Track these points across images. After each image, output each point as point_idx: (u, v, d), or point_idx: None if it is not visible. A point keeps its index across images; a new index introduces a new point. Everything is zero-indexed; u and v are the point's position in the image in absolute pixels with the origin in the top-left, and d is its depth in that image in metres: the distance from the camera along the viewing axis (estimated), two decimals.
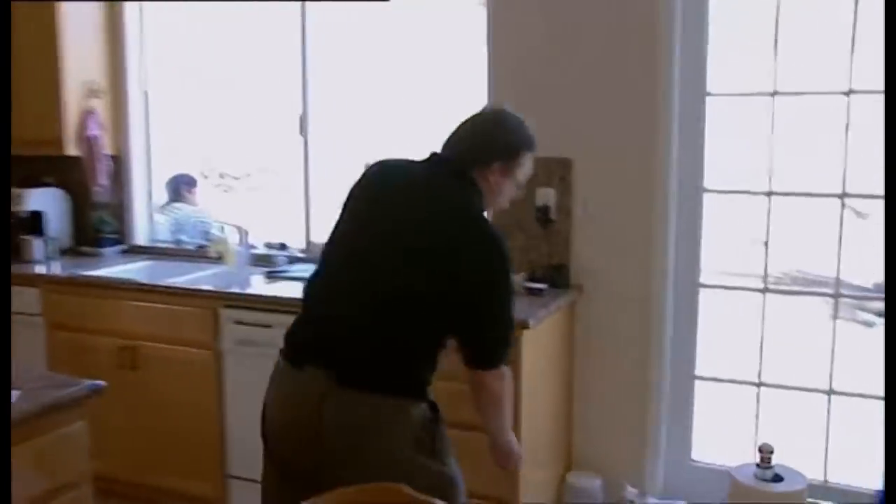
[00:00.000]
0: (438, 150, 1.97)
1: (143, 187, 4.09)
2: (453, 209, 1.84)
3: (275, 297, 3.11)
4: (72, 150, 3.79)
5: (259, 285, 3.40)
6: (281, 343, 1.93)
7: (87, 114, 3.80)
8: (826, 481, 3.02)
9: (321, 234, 3.58)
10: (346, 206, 1.96)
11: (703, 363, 3.19)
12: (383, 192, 1.92)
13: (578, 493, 3.11)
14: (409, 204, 1.86)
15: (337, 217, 1.96)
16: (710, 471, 3.15)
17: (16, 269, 3.60)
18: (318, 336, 1.85)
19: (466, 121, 1.99)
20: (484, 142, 1.94)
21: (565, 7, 3.06)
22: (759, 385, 3.11)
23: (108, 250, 3.95)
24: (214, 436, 3.20)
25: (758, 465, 2.74)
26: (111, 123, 3.95)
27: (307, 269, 3.20)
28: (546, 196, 3.14)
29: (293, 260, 3.66)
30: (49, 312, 3.50)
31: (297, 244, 3.76)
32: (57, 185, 4.06)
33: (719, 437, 3.39)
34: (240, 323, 3.11)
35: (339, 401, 1.76)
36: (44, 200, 3.96)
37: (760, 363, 3.10)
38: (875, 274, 2.97)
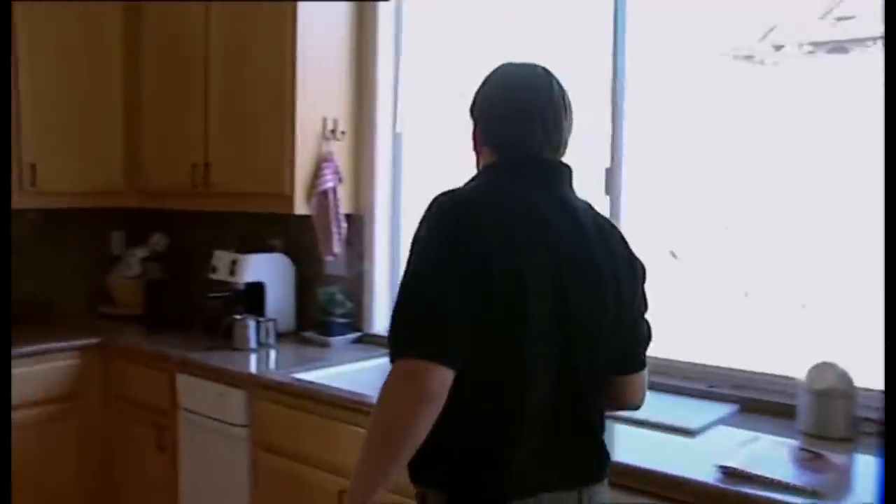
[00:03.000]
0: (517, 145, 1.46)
1: (388, 257, 3.12)
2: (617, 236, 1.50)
3: None
4: (301, 207, 2.91)
5: None
6: None
7: (322, 161, 2.91)
8: None
9: None
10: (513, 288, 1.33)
11: None
12: (555, 254, 1.38)
13: None
14: (592, 260, 1.41)
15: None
16: None
17: (222, 358, 2.75)
18: (559, 453, 1.40)
19: (524, 90, 1.44)
20: (569, 111, 1.47)
21: None
22: None
23: (337, 339, 2.99)
24: None
25: None
26: (351, 174, 3.05)
27: None
28: None
29: None
30: (257, 427, 2.57)
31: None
32: (282, 251, 3.21)
33: None
34: None
35: None
36: (265, 269, 3.10)
37: None
38: None
